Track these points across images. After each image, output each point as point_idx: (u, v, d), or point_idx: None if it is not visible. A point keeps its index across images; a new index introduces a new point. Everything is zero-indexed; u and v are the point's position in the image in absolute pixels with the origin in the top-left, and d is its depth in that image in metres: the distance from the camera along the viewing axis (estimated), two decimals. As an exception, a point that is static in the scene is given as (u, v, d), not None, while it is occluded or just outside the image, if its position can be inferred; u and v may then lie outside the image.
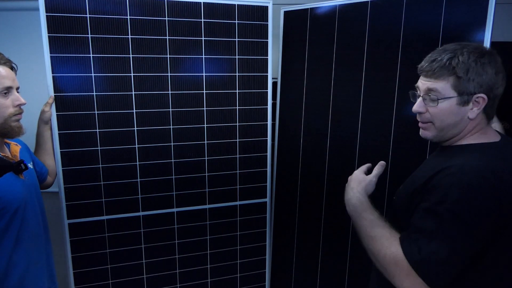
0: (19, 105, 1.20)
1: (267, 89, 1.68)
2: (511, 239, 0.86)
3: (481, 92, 0.88)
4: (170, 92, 1.56)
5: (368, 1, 1.48)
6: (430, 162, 0.99)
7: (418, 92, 0.96)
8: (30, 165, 1.29)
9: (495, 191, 0.82)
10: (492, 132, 0.95)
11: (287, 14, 1.73)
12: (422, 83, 0.95)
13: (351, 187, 1.03)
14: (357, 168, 1.10)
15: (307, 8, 1.66)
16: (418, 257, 0.81)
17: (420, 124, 0.99)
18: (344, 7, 1.56)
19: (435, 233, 0.82)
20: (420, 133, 1.00)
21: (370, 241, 0.90)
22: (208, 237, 1.73)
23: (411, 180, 0.99)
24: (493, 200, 0.81)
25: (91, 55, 1.45)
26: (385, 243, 0.87)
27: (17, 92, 1.21)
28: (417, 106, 0.96)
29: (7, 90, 1.16)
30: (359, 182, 1.03)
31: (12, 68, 1.21)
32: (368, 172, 1.08)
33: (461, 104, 0.90)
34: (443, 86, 0.90)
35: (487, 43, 1.24)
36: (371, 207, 0.96)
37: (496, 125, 1.21)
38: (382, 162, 1.05)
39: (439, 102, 0.91)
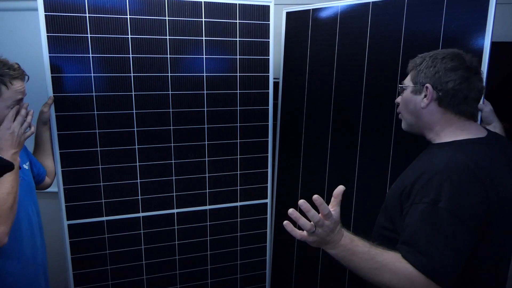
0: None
1: (268, 90, 1.68)
2: (498, 231, 0.89)
3: (427, 83, 0.97)
4: (170, 92, 1.55)
5: (369, 2, 1.48)
6: (417, 162, 1.02)
7: None
8: (25, 166, 1.28)
9: (482, 183, 0.85)
10: (475, 128, 0.99)
11: (289, 14, 1.73)
12: None
13: (327, 241, 0.87)
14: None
15: (309, 9, 1.65)
16: (431, 265, 0.81)
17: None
18: (345, 8, 1.56)
19: (438, 235, 0.83)
20: None
21: (377, 273, 0.84)
22: (208, 238, 1.72)
23: (401, 179, 1.02)
24: (481, 192, 0.85)
25: (90, 55, 1.43)
26: (393, 268, 0.83)
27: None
28: (397, 98, 1.11)
29: (18, 103, 1.20)
30: (331, 230, 0.86)
31: (24, 79, 1.22)
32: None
33: (414, 93, 1.01)
34: (408, 78, 1.04)
35: (487, 44, 1.25)
36: (356, 241, 0.87)
37: (496, 125, 1.23)
38: (340, 187, 0.88)
39: (402, 92, 1.06)
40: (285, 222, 0.85)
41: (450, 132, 0.98)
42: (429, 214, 0.84)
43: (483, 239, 0.87)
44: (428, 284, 0.81)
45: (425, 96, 0.98)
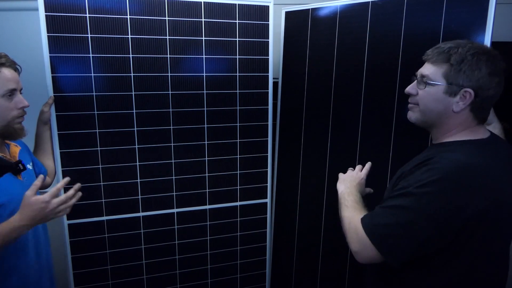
0: (23, 108, 1.20)
1: (268, 89, 1.68)
2: (494, 232, 0.89)
3: (469, 87, 0.88)
4: (170, 92, 1.55)
5: (368, 2, 1.48)
6: (416, 158, 1.01)
7: (416, 76, 0.99)
8: (29, 166, 1.29)
9: (470, 183, 0.84)
10: (482, 131, 0.96)
11: (288, 14, 1.73)
12: (421, 68, 0.97)
13: (346, 185, 1.15)
14: (356, 171, 1.23)
15: (308, 9, 1.65)
16: (370, 223, 0.90)
17: (408, 105, 1.02)
18: (344, 8, 1.56)
19: (403, 207, 0.87)
20: (407, 114, 1.03)
21: (345, 210, 1.03)
22: (208, 238, 1.72)
23: (396, 175, 1.03)
24: (466, 192, 0.84)
25: (90, 55, 1.44)
26: (355, 213, 0.99)
27: (20, 93, 1.21)
28: (409, 87, 1.00)
29: (12, 93, 1.16)
30: (355, 179, 1.17)
31: (16, 70, 1.20)
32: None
33: (447, 94, 0.91)
34: (435, 72, 0.92)
35: (487, 44, 1.24)
36: (357, 198, 1.08)
37: (496, 125, 1.22)
38: (369, 163, 1.23)
39: (427, 86, 0.94)
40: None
41: (461, 134, 0.94)
42: (403, 191, 0.89)
43: (465, 245, 0.87)
44: (365, 242, 0.89)
45: (460, 99, 0.90)
